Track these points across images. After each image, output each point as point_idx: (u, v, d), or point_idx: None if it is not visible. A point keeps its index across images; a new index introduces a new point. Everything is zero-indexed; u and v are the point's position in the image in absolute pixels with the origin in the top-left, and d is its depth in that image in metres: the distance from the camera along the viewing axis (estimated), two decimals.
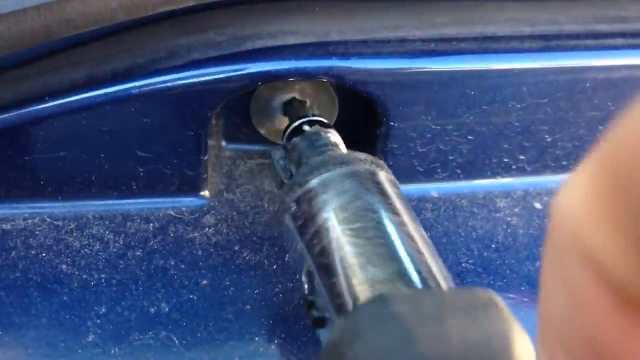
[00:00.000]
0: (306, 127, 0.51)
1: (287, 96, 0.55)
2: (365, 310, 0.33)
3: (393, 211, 0.42)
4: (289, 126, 0.53)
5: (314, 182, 0.44)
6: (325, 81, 0.53)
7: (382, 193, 0.43)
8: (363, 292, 0.37)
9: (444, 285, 0.38)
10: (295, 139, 0.51)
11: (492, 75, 0.54)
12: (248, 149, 0.60)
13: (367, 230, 0.40)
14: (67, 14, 0.44)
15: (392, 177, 0.46)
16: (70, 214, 0.53)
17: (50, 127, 0.49)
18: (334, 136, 0.51)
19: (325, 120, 0.53)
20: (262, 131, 0.57)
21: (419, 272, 0.38)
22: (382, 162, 0.47)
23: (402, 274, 0.38)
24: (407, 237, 0.40)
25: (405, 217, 0.42)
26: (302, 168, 0.46)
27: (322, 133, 0.51)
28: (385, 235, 0.40)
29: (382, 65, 0.51)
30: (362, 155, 0.47)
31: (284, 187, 0.46)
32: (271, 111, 0.56)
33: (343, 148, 0.51)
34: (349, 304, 0.37)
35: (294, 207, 0.44)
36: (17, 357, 0.45)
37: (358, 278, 0.38)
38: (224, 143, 0.60)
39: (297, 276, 0.43)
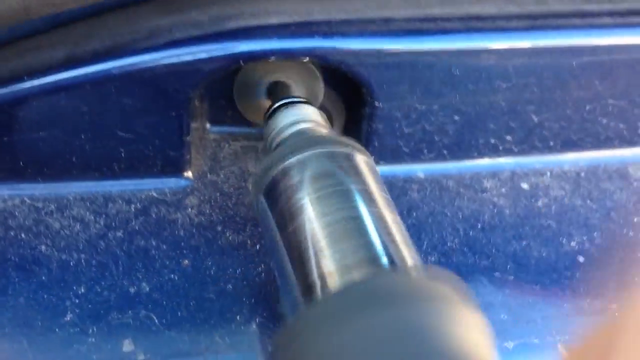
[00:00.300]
0: (279, 104, 0.51)
1: (271, 78, 0.54)
2: (320, 307, 0.33)
3: (368, 195, 0.41)
4: (270, 107, 0.52)
5: (289, 162, 0.43)
6: (310, 63, 0.52)
7: (358, 175, 0.43)
8: (331, 277, 0.37)
9: (411, 268, 0.38)
10: (273, 118, 0.50)
11: (478, 55, 0.53)
12: (232, 131, 0.60)
13: (339, 212, 0.40)
14: None
15: (370, 160, 0.45)
16: (51, 195, 0.53)
17: (29, 107, 0.48)
18: (315, 114, 0.51)
19: (307, 100, 0.52)
20: (246, 113, 0.57)
21: (387, 255, 0.38)
22: (359, 145, 0.46)
23: (371, 257, 0.37)
24: (379, 221, 0.40)
25: (380, 201, 0.42)
26: (279, 148, 0.46)
27: (301, 111, 0.50)
28: (357, 218, 0.40)
29: (366, 45, 0.51)
30: (340, 137, 0.46)
31: (260, 167, 0.45)
32: (255, 93, 0.55)
33: (325, 126, 0.50)
34: (318, 289, 0.37)
35: (268, 188, 0.43)
36: None
37: (327, 262, 0.37)
38: (208, 125, 0.60)
39: (269, 260, 0.43)
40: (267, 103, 0.55)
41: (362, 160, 0.45)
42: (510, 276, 0.53)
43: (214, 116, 0.59)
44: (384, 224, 0.40)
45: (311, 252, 0.38)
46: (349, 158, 0.44)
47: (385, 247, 0.38)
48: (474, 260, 0.53)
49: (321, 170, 0.42)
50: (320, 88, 0.55)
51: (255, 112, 0.57)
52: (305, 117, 0.50)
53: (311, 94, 0.55)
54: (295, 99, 0.52)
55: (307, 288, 0.38)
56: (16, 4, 0.43)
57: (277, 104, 0.51)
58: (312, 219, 0.40)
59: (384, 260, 0.37)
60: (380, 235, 0.39)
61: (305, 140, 0.45)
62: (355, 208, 0.40)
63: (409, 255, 0.39)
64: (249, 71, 0.54)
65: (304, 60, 0.51)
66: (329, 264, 0.37)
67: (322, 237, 0.39)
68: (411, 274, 0.36)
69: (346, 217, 0.39)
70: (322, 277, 0.37)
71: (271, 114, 0.51)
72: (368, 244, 0.38)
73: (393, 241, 0.39)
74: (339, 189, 0.41)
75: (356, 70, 0.52)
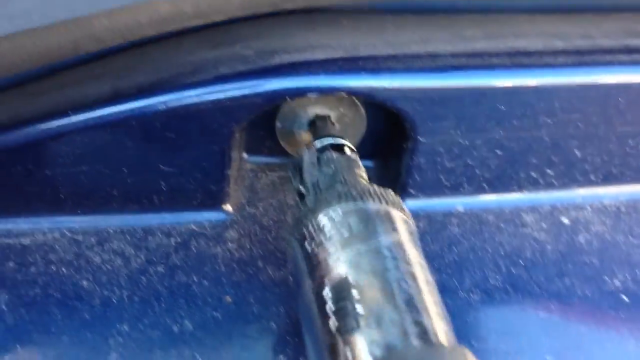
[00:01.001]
0: (346, 150, 0.50)
1: (314, 111, 0.54)
2: None
3: (402, 257, 0.40)
4: (320, 138, 0.51)
5: (325, 214, 0.43)
6: (354, 98, 0.52)
7: (394, 235, 0.42)
8: (357, 344, 0.36)
9: (443, 339, 0.37)
10: (333, 154, 0.50)
11: (524, 91, 0.52)
12: (269, 162, 0.59)
13: (373, 277, 0.39)
14: (94, 29, 0.43)
15: (407, 217, 0.44)
16: (91, 228, 0.52)
17: (72, 141, 0.48)
18: (356, 162, 0.50)
19: (348, 143, 0.52)
20: (286, 145, 0.56)
21: (418, 329, 0.37)
22: (398, 199, 0.45)
23: (401, 331, 0.36)
24: (411, 287, 0.39)
25: (415, 264, 0.41)
26: (318, 196, 0.45)
27: (343, 158, 0.49)
28: (388, 283, 0.38)
29: (412, 81, 0.50)
30: (379, 191, 0.45)
31: (295, 219, 0.45)
32: (296, 127, 0.54)
33: (364, 177, 0.50)
34: (343, 354, 0.36)
35: (303, 237, 0.43)
36: None
37: (352, 324, 0.37)
38: (245, 155, 0.59)
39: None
40: (308, 136, 0.54)
41: (399, 218, 0.43)
42: (554, 316, 0.52)
43: (252, 145, 0.59)
44: (417, 290, 0.39)
45: (338, 311, 0.37)
46: (387, 216, 0.43)
47: (417, 319, 0.37)
48: (517, 299, 0.53)
49: (357, 228, 0.41)
50: (364, 123, 0.55)
51: (296, 144, 0.56)
52: (346, 165, 0.49)
53: (354, 128, 0.54)
54: (338, 141, 0.51)
55: (331, 348, 0.37)
56: (65, 40, 0.43)
57: (319, 144, 0.51)
58: (343, 276, 0.39)
59: (414, 332, 0.36)
60: (411, 305, 0.38)
61: (344, 193, 0.44)
62: (388, 271, 0.39)
63: (440, 329, 0.38)
64: (292, 104, 0.53)
65: (353, 99, 0.51)
66: (354, 330, 0.36)
67: (350, 297, 0.38)
68: (441, 352, 0.35)
69: (378, 280, 0.38)
70: (347, 342, 0.36)
71: (320, 151, 0.50)
72: (399, 313, 0.37)
73: (425, 310, 0.38)
74: (374, 248, 0.40)
75: (401, 106, 0.51)
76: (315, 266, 0.40)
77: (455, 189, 0.58)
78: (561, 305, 0.53)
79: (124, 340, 0.46)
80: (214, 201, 0.54)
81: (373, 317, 0.37)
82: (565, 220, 0.59)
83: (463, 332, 0.46)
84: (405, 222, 0.43)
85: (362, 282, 0.38)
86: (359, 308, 0.37)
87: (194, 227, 0.53)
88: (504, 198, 0.59)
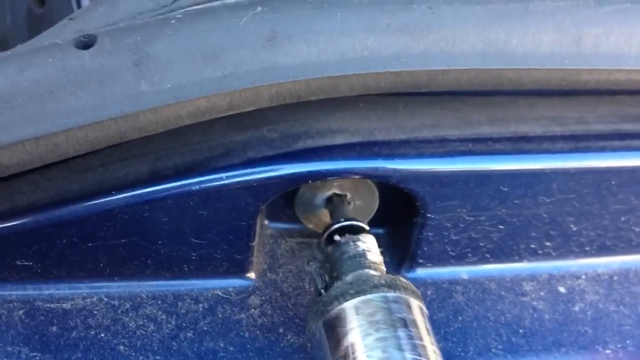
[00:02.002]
0: (338, 237, 0.55)
1: (330, 191, 0.58)
2: None
3: (417, 346, 0.45)
4: (330, 226, 0.56)
5: (341, 306, 0.47)
6: (370, 183, 0.57)
7: (411, 323, 0.47)
8: None
9: None
10: (330, 249, 0.54)
11: (525, 175, 0.57)
12: (289, 228, 0.64)
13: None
14: (140, 122, 0.47)
15: (422, 304, 0.49)
16: (125, 293, 0.57)
17: (114, 217, 0.52)
18: (373, 249, 0.54)
19: (363, 225, 0.56)
20: (305, 221, 0.61)
21: None
22: (413, 287, 0.50)
23: None
24: None
25: (429, 350, 0.45)
26: (339, 283, 0.49)
27: (361, 245, 0.54)
28: None
29: (424, 165, 0.55)
30: (397, 281, 0.50)
31: (313, 309, 0.49)
32: (314, 204, 0.59)
33: (377, 254, 0.54)
34: None
35: (326, 321, 0.47)
36: None
37: None
38: (266, 222, 0.64)
39: None
40: (325, 214, 0.59)
41: (416, 305, 0.48)
42: None
43: (272, 213, 0.63)
44: None
45: None
46: (405, 303, 0.48)
47: None
48: None
49: (377, 316, 0.46)
50: (376, 201, 0.59)
51: (314, 221, 0.61)
52: (364, 252, 0.53)
53: (367, 207, 0.59)
54: (355, 224, 0.55)
55: None
56: (113, 132, 0.48)
57: (336, 226, 0.55)
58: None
59: None
60: None
61: (364, 281, 0.49)
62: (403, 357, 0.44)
63: None
64: (311, 185, 0.58)
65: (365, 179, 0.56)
66: None
67: None
68: None
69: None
70: None
71: (331, 236, 0.55)
72: None
73: None
74: (392, 335, 0.45)
75: (412, 187, 0.56)
76: (337, 348, 0.45)
77: (460, 259, 0.62)
78: None
79: None
80: (238, 269, 0.58)
81: None
82: (562, 289, 0.64)
83: None
84: (420, 308, 0.48)
85: None
86: None
87: (219, 293, 0.58)
88: (505, 267, 0.64)
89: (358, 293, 0.47)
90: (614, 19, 0.55)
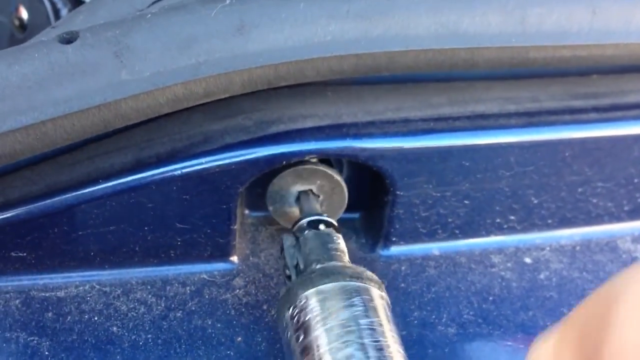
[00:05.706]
0: (321, 227, 0.58)
1: (300, 188, 0.62)
2: None
3: (380, 334, 0.48)
4: (299, 220, 0.59)
5: (312, 290, 0.50)
6: (338, 179, 0.61)
7: (372, 311, 0.49)
8: None
9: None
10: (309, 234, 0.57)
11: (484, 149, 0.62)
12: (268, 216, 0.67)
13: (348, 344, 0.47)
14: (122, 110, 0.51)
15: (383, 294, 0.52)
16: (116, 280, 0.60)
17: (102, 206, 0.56)
18: (338, 241, 0.57)
19: (326, 218, 0.59)
20: (276, 217, 0.64)
21: None
22: (376, 278, 0.53)
23: None
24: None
25: (388, 337, 0.48)
26: (304, 274, 0.53)
27: (333, 237, 0.57)
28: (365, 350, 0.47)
29: (389, 144, 0.59)
30: (360, 271, 0.53)
31: (285, 292, 0.53)
32: (285, 200, 0.62)
33: (343, 245, 0.57)
34: None
35: (292, 308, 0.51)
36: None
37: None
38: (247, 211, 0.67)
39: None
40: (295, 210, 0.63)
41: (377, 295, 0.51)
42: (520, 345, 0.60)
43: (252, 202, 0.67)
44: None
45: None
46: (367, 293, 0.51)
47: None
48: (488, 330, 0.61)
49: (338, 304, 0.49)
50: (345, 199, 0.63)
51: (285, 217, 0.64)
52: (329, 244, 0.56)
53: (336, 202, 0.63)
54: (322, 219, 0.59)
55: None
56: (98, 120, 0.51)
57: (305, 220, 0.59)
58: (323, 347, 0.47)
59: None
60: None
61: (328, 271, 0.52)
62: (362, 345, 0.47)
63: None
64: (280, 180, 0.61)
65: (332, 174, 0.60)
66: None
67: None
68: None
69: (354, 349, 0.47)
70: None
71: (299, 231, 0.58)
72: None
73: None
74: (354, 323, 0.48)
75: (381, 165, 0.60)
76: (300, 335, 0.49)
77: (431, 236, 0.66)
78: (526, 335, 0.61)
79: None
80: (222, 253, 0.62)
81: None
82: (528, 260, 0.68)
83: None
84: (382, 297, 0.51)
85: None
86: None
87: (205, 277, 0.61)
88: (473, 242, 0.68)
89: (321, 281, 0.51)
90: None
